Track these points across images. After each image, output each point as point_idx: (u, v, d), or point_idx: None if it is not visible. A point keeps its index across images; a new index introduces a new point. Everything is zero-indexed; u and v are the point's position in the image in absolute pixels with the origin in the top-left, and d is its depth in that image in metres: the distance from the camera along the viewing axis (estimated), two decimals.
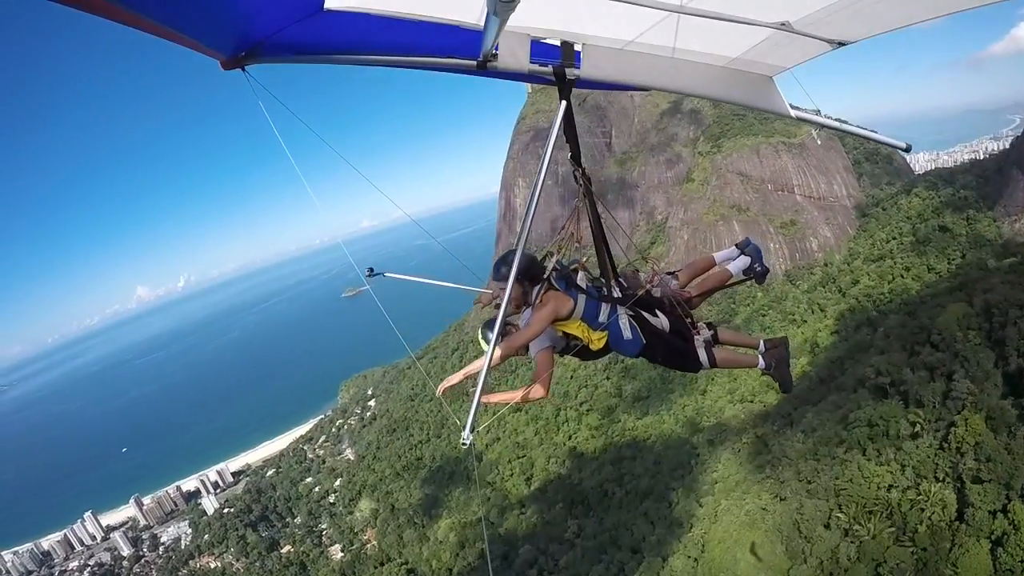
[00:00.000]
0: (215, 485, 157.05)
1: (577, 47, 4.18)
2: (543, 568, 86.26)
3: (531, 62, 4.06)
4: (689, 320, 6.40)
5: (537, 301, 5.78)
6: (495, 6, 2.49)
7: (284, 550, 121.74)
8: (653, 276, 6.55)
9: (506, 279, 5.40)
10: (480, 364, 5.62)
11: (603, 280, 6.15)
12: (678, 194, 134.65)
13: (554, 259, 5.94)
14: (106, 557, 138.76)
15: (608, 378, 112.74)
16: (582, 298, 5.84)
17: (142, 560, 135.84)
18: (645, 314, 6.10)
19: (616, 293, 6.08)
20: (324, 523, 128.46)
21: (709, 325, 6.52)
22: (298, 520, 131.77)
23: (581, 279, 6.01)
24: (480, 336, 6.22)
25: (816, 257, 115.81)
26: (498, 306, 5.89)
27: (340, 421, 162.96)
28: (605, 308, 5.92)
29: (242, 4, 3.44)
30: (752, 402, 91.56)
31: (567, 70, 4.17)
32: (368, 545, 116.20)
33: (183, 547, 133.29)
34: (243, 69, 3.95)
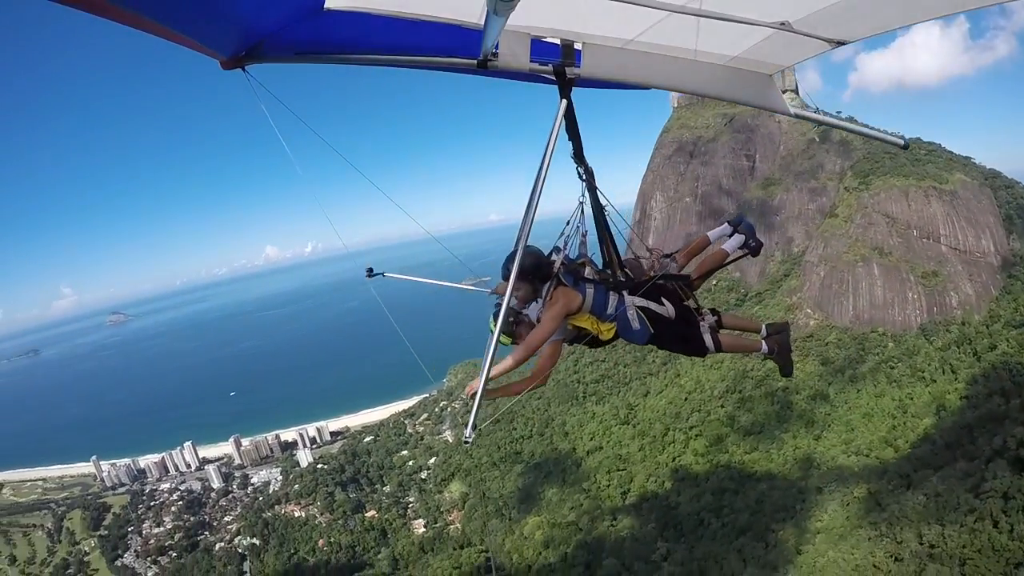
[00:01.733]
0: (312, 440, 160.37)
1: (577, 46, 4.28)
2: None
3: (531, 61, 4.17)
4: (694, 306, 6.70)
5: (548, 298, 5.96)
6: (495, 5, 2.59)
7: (369, 514, 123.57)
8: (654, 262, 6.86)
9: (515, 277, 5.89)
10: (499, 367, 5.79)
11: (608, 272, 6.41)
12: (819, 227, 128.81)
13: (561, 255, 6.13)
14: (196, 486, 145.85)
15: (723, 406, 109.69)
16: (590, 292, 6.04)
17: (229, 495, 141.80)
18: (652, 303, 6.26)
19: (622, 284, 6.32)
20: (412, 496, 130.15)
21: (713, 311, 6.80)
22: (387, 489, 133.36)
23: (588, 273, 6.24)
24: (491, 322, 6.25)
25: (955, 314, 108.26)
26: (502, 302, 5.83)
27: (444, 403, 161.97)
28: (613, 300, 6.11)
29: (243, 4, 3.55)
30: (868, 456, 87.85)
31: (567, 68, 4.23)
32: (451, 526, 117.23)
33: (271, 491, 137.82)
34: (243, 69, 4.12)
